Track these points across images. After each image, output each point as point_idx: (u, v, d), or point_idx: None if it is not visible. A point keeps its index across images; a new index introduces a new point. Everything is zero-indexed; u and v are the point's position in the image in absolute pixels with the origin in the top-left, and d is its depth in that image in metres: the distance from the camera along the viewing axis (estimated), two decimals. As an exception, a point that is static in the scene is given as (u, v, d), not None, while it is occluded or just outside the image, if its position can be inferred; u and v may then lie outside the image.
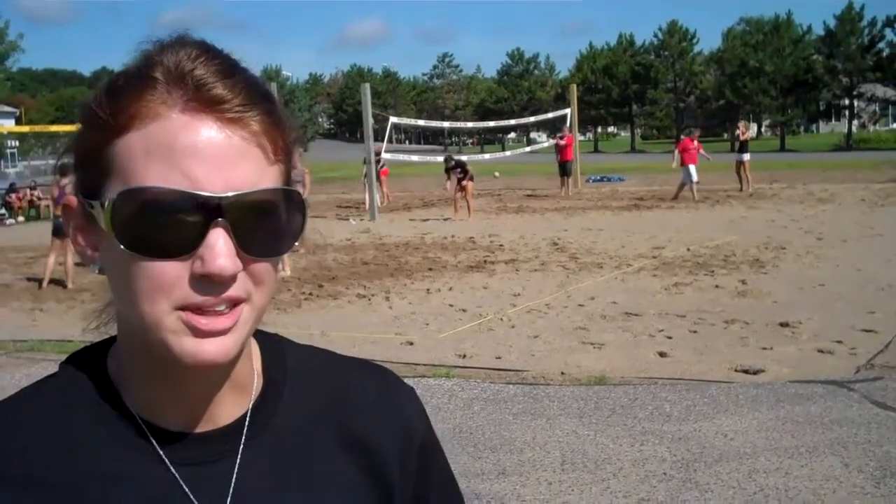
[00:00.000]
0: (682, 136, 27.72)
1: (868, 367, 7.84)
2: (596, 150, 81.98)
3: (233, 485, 0.98)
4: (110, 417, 0.97)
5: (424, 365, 8.41)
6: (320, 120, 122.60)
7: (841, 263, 13.15)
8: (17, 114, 76.78)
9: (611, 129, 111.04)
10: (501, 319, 10.26)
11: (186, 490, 0.95)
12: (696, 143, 26.25)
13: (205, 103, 0.88)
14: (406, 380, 1.17)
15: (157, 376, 0.95)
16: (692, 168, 25.32)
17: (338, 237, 18.90)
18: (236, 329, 0.90)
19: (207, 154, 0.86)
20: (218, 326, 0.88)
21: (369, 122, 24.74)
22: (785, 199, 23.95)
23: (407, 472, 1.10)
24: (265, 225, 0.90)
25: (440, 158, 36.10)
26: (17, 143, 49.80)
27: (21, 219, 29.87)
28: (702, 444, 6.08)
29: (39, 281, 14.04)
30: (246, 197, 0.87)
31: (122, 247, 0.87)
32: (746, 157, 27.07)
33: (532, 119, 47.54)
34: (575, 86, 38.72)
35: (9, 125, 57.61)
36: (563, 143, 29.14)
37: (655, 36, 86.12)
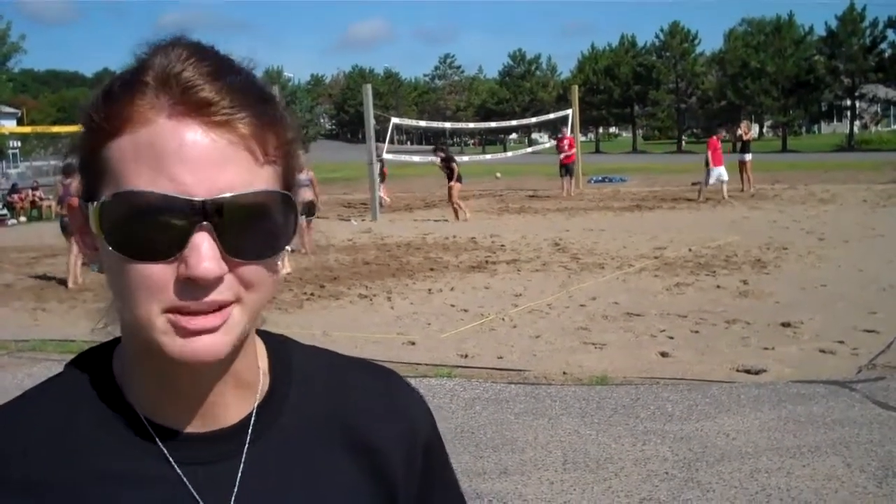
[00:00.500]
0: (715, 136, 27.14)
1: (870, 368, 7.84)
2: (597, 151, 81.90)
3: (237, 484, 0.98)
4: (115, 417, 0.97)
5: (426, 365, 8.41)
6: (322, 121, 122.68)
7: (843, 264, 13.15)
8: (19, 115, 76.85)
9: (612, 129, 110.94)
10: (503, 319, 10.26)
11: (191, 489, 0.96)
12: (721, 143, 25.97)
13: (191, 107, 0.88)
14: (408, 380, 1.17)
15: (158, 375, 0.95)
16: (720, 169, 24.97)
17: (339, 237, 18.91)
18: (227, 329, 0.90)
19: (193, 158, 0.87)
20: (206, 325, 0.88)
21: (371, 122, 24.74)
22: (787, 200, 23.94)
23: (411, 474, 1.10)
24: (253, 227, 0.89)
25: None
26: (19, 144, 49.84)
27: (23, 219, 29.91)
28: (704, 444, 6.09)
29: (64, 281, 14.10)
30: (231, 200, 0.87)
31: (110, 248, 0.88)
32: (748, 157, 27.05)
33: (534, 120, 47.43)
34: (576, 86, 38.72)
35: (11, 126, 57.68)
36: (567, 150, 29.15)
37: (657, 37, 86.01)
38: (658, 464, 5.78)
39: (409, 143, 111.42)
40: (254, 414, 1.01)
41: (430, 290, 12.39)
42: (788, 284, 11.65)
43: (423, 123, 48.13)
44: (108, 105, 0.90)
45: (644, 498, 5.28)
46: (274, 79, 74.07)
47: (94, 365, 1.01)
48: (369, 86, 26.62)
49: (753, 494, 5.25)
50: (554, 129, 55.34)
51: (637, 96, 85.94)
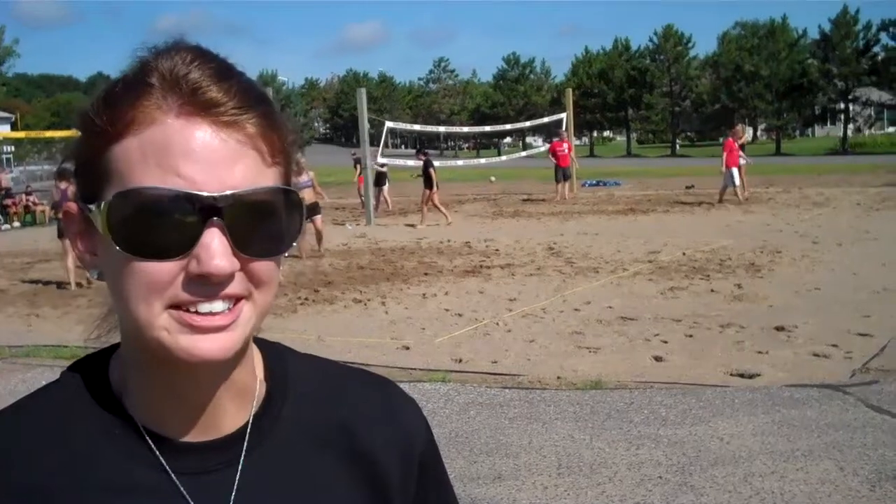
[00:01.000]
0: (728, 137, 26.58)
1: (863, 371, 7.85)
2: (592, 155, 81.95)
3: (234, 494, 0.98)
4: (112, 425, 0.97)
5: (420, 370, 8.41)
6: (316, 125, 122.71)
7: (836, 267, 13.17)
8: (13, 119, 76.67)
9: (606, 133, 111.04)
10: (497, 324, 10.26)
11: (188, 498, 0.95)
12: (736, 143, 25.56)
13: (200, 107, 0.88)
14: (402, 384, 1.17)
15: (158, 382, 0.95)
16: (734, 170, 24.77)
17: (334, 242, 18.88)
18: (236, 326, 0.90)
19: (202, 156, 0.87)
20: (215, 323, 0.88)
21: (365, 126, 24.74)
22: (781, 203, 23.98)
23: (407, 483, 1.10)
24: (262, 225, 0.90)
25: (436, 163, 36.13)
26: (13, 149, 49.72)
27: (17, 224, 29.83)
28: (697, 448, 6.09)
29: (61, 284, 14.16)
30: (242, 197, 0.88)
31: (117, 248, 0.88)
32: (742, 161, 27.05)
33: (528, 124, 47.57)
34: (571, 90, 38.72)
35: (4, 130, 57.55)
36: (567, 152, 29.16)
37: (651, 40, 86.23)
38: (652, 468, 5.78)
39: (403, 146, 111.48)
40: (250, 423, 1.01)
41: (424, 294, 12.39)
42: (782, 288, 11.67)
43: (417, 127, 48.31)
44: (110, 108, 0.90)
45: (638, 502, 5.28)
46: (268, 82, 73.98)
47: (91, 372, 1.01)
48: (363, 90, 26.62)
49: (747, 498, 5.25)
50: (548, 132, 55.37)
51: (631, 100, 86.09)
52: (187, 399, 0.96)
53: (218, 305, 0.89)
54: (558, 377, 8.01)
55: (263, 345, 1.08)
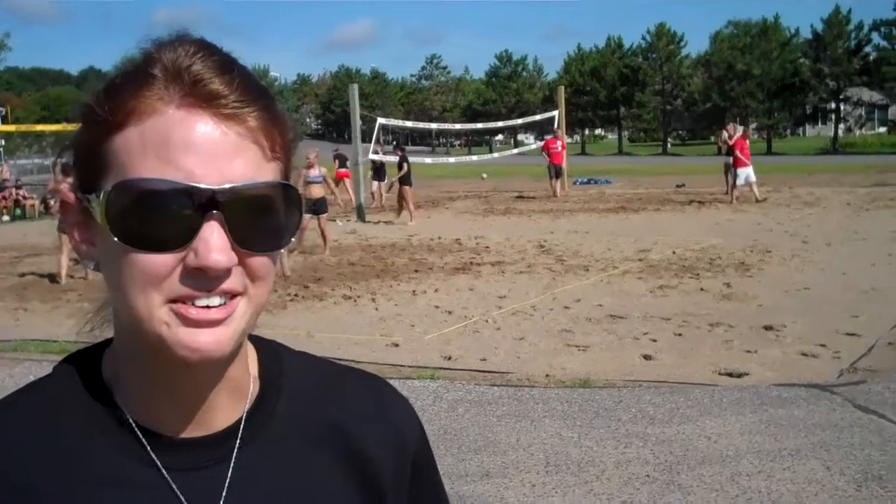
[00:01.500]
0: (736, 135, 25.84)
1: (851, 371, 7.88)
2: (583, 153, 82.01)
3: (225, 490, 0.97)
4: (104, 421, 0.96)
5: (410, 366, 8.41)
6: (308, 120, 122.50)
7: (826, 267, 13.22)
8: (3, 112, 76.35)
9: (598, 131, 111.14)
10: (487, 321, 10.27)
11: (179, 495, 0.95)
12: (747, 141, 24.99)
13: (201, 99, 0.88)
14: (391, 381, 1.17)
15: (152, 378, 0.94)
16: (744, 169, 24.43)
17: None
18: (231, 321, 0.90)
19: (203, 148, 0.87)
20: (210, 317, 0.88)
21: (357, 123, 24.72)
22: (771, 203, 24.02)
23: (400, 481, 1.09)
24: (261, 219, 0.90)
25: (428, 160, 36.11)
26: (3, 142, 49.52)
27: (6, 218, 29.72)
28: (685, 447, 6.10)
29: (53, 277, 14.17)
30: (242, 190, 0.87)
31: (115, 239, 0.87)
32: (732, 159, 27.07)
33: (520, 121, 47.57)
34: (563, 88, 38.74)
35: (-6, 124, 57.22)
36: (558, 148, 29.20)
37: (643, 38, 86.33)
38: (639, 466, 5.79)
39: (394, 143, 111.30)
40: (243, 419, 1.01)
41: (414, 291, 12.39)
42: (771, 287, 11.70)
43: (409, 124, 48.21)
44: (112, 98, 0.90)
45: (625, 501, 5.29)
46: (260, 77, 73.77)
47: (84, 366, 1.01)
48: (356, 86, 26.60)
49: (734, 497, 5.26)
50: (541, 130, 55.36)
51: (623, 98, 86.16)
52: (181, 395, 0.96)
53: (215, 300, 0.89)
54: (547, 375, 8.02)
55: (258, 342, 1.08)
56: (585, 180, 36.48)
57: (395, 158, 24.63)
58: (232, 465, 0.98)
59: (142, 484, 0.94)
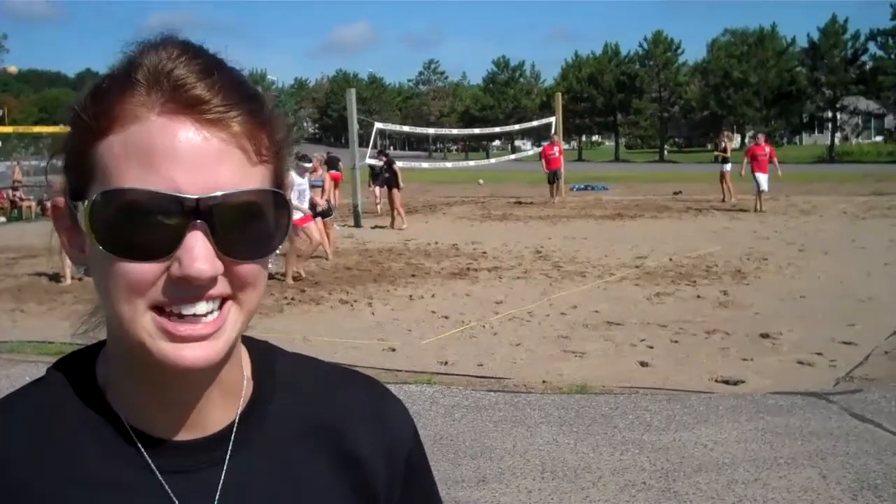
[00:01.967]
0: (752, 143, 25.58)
1: (847, 380, 7.89)
2: (580, 159, 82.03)
3: (219, 493, 0.97)
4: (97, 423, 0.96)
5: (406, 371, 8.41)
6: (305, 124, 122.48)
7: (822, 275, 13.22)
8: (1, 114, 76.33)
9: (595, 137, 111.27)
10: (484, 327, 10.27)
11: (173, 497, 0.95)
12: (767, 148, 24.63)
13: (183, 104, 0.87)
14: (387, 386, 1.17)
15: (144, 381, 0.94)
16: (760, 176, 24.08)
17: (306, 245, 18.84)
18: (220, 333, 0.89)
19: (186, 156, 0.86)
20: (197, 332, 0.88)
21: (354, 127, 24.70)
22: (768, 211, 24.04)
23: (393, 484, 1.09)
24: (247, 227, 0.89)
25: (426, 165, 36.09)
26: (0, 144, 49.42)
27: (2, 219, 29.67)
28: (681, 455, 6.10)
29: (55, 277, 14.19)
30: (226, 198, 0.86)
31: (100, 248, 0.87)
32: (728, 167, 27.17)
33: (517, 127, 47.55)
34: (560, 94, 38.74)
35: (-8, 125, 57.06)
36: (556, 154, 29.24)
37: (641, 46, 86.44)
38: (636, 474, 5.79)
39: (392, 148, 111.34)
40: (237, 421, 1.01)
41: (411, 296, 12.38)
42: (768, 295, 11.71)
43: (406, 129, 48.21)
44: (97, 103, 0.89)
45: (621, 508, 5.29)
46: (257, 81, 73.63)
47: (78, 369, 1.00)
48: (353, 90, 26.58)
49: (730, 505, 5.26)
50: (538, 136, 55.30)
51: (620, 105, 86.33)
52: (173, 398, 0.96)
53: (201, 307, 0.88)
54: (544, 381, 8.02)
55: (251, 343, 1.08)
56: (582, 186, 36.47)
57: (379, 162, 24.60)
58: (226, 467, 0.98)
59: (135, 486, 0.94)
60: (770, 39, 75.69)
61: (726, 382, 7.87)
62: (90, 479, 0.94)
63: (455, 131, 60.37)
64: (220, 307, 0.90)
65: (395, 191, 22.86)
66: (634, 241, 18.14)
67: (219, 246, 0.87)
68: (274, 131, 0.93)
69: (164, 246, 0.86)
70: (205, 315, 0.88)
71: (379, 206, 26.62)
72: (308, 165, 14.91)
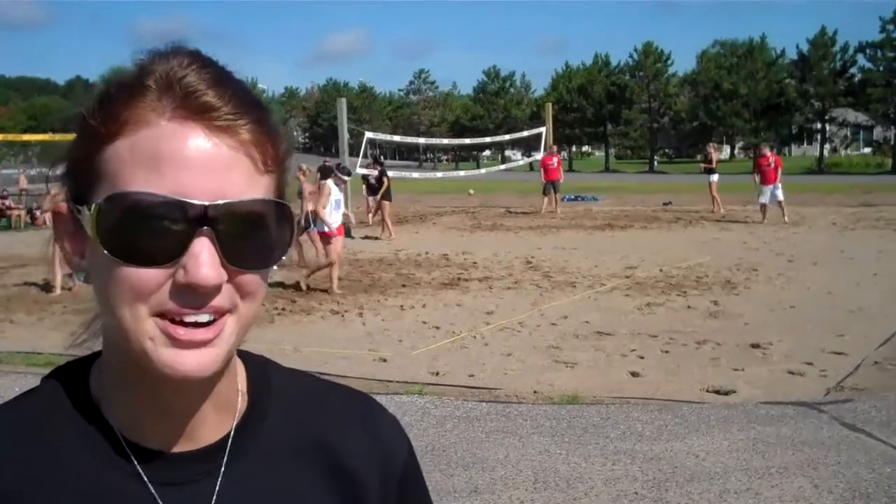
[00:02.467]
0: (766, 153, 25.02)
1: (838, 389, 7.91)
2: (570, 170, 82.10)
3: None
4: (91, 434, 0.95)
5: (397, 382, 8.39)
6: (295, 133, 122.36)
7: (812, 286, 13.26)
8: (-11, 122, 76.07)
9: (585, 148, 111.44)
10: (475, 337, 10.26)
11: None
12: (772, 158, 24.28)
13: (194, 111, 0.87)
14: (378, 397, 1.17)
15: (140, 392, 0.93)
16: (767, 188, 23.89)
17: (312, 253, 18.81)
18: (219, 342, 0.89)
19: (195, 162, 0.86)
20: (197, 338, 0.87)
21: (345, 136, 24.73)
22: (757, 221, 24.10)
23: (386, 500, 1.09)
24: (252, 236, 0.89)
25: (416, 175, 36.09)
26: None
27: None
28: (673, 464, 6.10)
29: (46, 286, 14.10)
30: (233, 206, 0.86)
31: (105, 252, 0.86)
32: (714, 178, 27.29)
33: (507, 137, 47.74)
34: (550, 104, 38.87)
35: (-20, 134, 56.83)
36: (554, 164, 29.36)
37: (631, 56, 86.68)
38: (628, 484, 5.79)
39: (382, 157, 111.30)
40: (231, 435, 1.00)
41: (401, 306, 12.38)
42: (758, 306, 11.74)
43: (396, 138, 48.30)
44: (105, 108, 0.89)
45: (613, 518, 5.29)
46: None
47: (71, 380, 1.00)
48: (343, 100, 26.64)
49: (722, 515, 5.27)
50: (528, 146, 55.33)
51: (610, 115, 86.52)
52: (168, 410, 0.95)
53: (204, 317, 0.88)
54: (535, 391, 8.02)
55: (246, 357, 1.08)
56: (572, 197, 36.51)
57: (374, 172, 24.62)
58: (219, 480, 0.98)
59: (128, 498, 0.94)
60: (759, 51, 75.98)
61: (717, 392, 7.89)
62: (83, 489, 0.93)
63: (445, 141, 60.37)
64: (219, 318, 0.89)
65: (384, 202, 22.88)
66: (624, 251, 18.18)
67: (224, 254, 0.87)
68: (279, 142, 0.94)
69: (171, 251, 0.86)
70: (206, 324, 0.88)
71: (371, 217, 26.59)
72: (347, 178, 14.90)
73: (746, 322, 10.75)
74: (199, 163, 0.86)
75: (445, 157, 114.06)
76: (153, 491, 0.94)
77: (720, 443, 6.51)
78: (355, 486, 1.06)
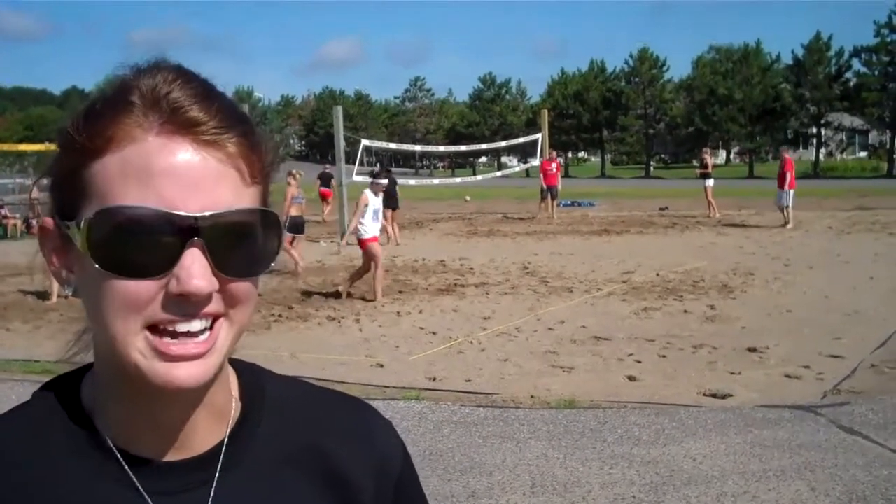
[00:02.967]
0: (786, 156, 25.64)
1: (835, 393, 7.91)
2: (567, 175, 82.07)
3: None
4: (84, 445, 0.96)
5: (394, 387, 8.39)
6: (292, 142, 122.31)
7: (808, 290, 13.28)
8: (-15, 132, 76.04)
9: (581, 154, 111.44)
10: (471, 342, 10.26)
11: None
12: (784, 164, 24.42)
13: (181, 126, 0.88)
14: (376, 402, 1.17)
15: (132, 402, 0.94)
16: (791, 191, 24.05)
17: (308, 259, 18.83)
18: (212, 353, 0.90)
19: (183, 176, 0.87)
20: (189, 352, 0.88)
21: (341, 144, 24.71)
22: (753, 226, 24.12)
23: None
24: (242, 245, 0.90)
25: (412, 182, 36.11)
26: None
27: (-12, 238, 29.46)
28: (670, 468, 6.10)
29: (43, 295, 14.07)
30: (222, 217, 0.87)
31: (97, 266, 0.87)
32: (710, 182, 27.36)
33: (503, 144, 47.65)
34: (546, 111, 38.91)
35: (-24, 143, 56.78)
36: (553, 170, 29.43)
37: (626, 63, 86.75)
38: (625, 487, 5.79)
39: (378, 165, 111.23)
40: (225, 443, 1.01)
41: (398, 312, 12.37)
42: (755, 310, 11.75)
43: (393, 146, 48.17)
44: (91, 124, 0.90)
45: (611, 522, 5.28)
46: (244, 98, 73.96)
47: (63, 392, 1.00)
48: (340, 107, 26.63)
49: (719, 519, 5.26)
50: (524, 152, 55.41)
51: (606, 121, 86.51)
52: (161, 419, 0.95)
53: (196, 325, 0.88)
54: (532, 396, 8.01)
55: (239, 365, 1.08)
56: (569, 202, 36.52)
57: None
58: (214, 488, 0.98)
59: None
60: (755, 56, 76.04)
61: (714, 396, 7.89)
62: (77, 500, 0.93)
63: (441, 148, 60.53)
64: (212, 326, 0.90)
65: (388, 210, 22.90)
66: (621, 256, 18.19)
67: (215, 263, 0.88)
68: (264, 154, 0.95)
69: (162, 263, 0.86)
70: (198, 333, 0.89)
71: (390, 226, 26.56)
72: (383, 183, 14.87)
73: (743, 326, 10.76)
74: (188, 177, 0.87)
75: (442, 164, 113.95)
76: (149, 500, 0.94)
77: (717, 446, 6.52)
78: (351, 492, 1.06)
